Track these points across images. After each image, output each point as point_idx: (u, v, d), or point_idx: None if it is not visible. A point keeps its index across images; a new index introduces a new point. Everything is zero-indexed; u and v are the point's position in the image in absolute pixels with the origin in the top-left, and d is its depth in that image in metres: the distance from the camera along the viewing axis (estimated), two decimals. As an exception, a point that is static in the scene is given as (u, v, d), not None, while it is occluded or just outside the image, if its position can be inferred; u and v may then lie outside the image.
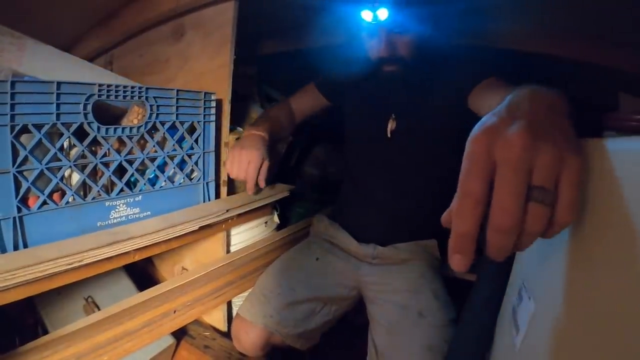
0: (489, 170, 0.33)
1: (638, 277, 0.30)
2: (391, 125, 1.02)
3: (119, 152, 0.83)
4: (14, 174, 0.68)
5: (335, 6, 1.14)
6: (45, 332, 0.91)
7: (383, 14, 0.83)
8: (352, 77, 1.10)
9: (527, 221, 0.32)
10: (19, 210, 0.69)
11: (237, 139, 1.10)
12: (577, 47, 1.13)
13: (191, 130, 0.96)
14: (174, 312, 0.94)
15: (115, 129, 0.80)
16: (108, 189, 0.83)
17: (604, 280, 0.34)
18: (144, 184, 0.89)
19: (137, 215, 0.88)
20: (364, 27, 0.90)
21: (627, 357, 0.30)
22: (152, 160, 0.89)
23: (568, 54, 1.14)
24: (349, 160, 1.17)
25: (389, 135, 1.03)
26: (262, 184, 1.02)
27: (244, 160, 0.97)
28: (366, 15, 0.85)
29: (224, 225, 1.04)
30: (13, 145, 0.67)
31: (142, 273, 1.26)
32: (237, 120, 1.19)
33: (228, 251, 1.12)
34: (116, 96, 0.79)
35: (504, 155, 0.32)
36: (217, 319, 1.20)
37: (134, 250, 0.80)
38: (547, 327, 0.44)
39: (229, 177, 1.05)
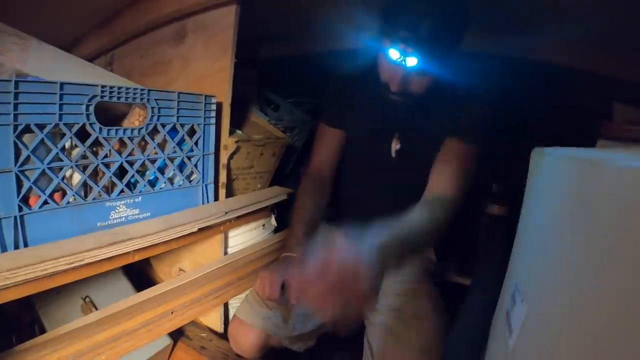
0: None
1: (624, 280, 0.31)
2: (395, 145, 1.00)
3: (120, 153, 0.83)
4: (15, 173, 0.68)
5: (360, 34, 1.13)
6: (43, 331, 0.91)
7: (412, 62, 0.80)
8: (355, 98, 1.05)
9: None
10: (20, 209, 0.70)
11: (237, 142, 1.11)
12: (573, 54, 1.15)
13: (191, 132, 0.97)
14: (172, 312, 0.94)
15: (116, 130, 0.81)
16: (108, 189, 0.84)
17: (594, 283, 0.35)
18: (144, 185, 0.89)
19: (136, 216, 0.89)
20: (384, 53, 0.84)
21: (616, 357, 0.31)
22: (153, 161, 0.90)
23: (565, 61, 1.16)
24: (350, 175, 1.15)
25: (393, 155, 1.00)
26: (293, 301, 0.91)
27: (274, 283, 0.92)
28: (393, 54, 0.81)
29: (222, 227, 1.05)
30: (15, 145, 0.67)
31: (140, 274, 1.26)
32: (237, 123, 1.20)
33: (226, 253, 1.13)
34: (118, 98, 0.80)
35: None
36: (213, 320, 1.20)
37: (133, 250, 0.80)
38: (539, 328, 0.45)
39: (227, 179, 1.05)
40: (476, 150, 0.94)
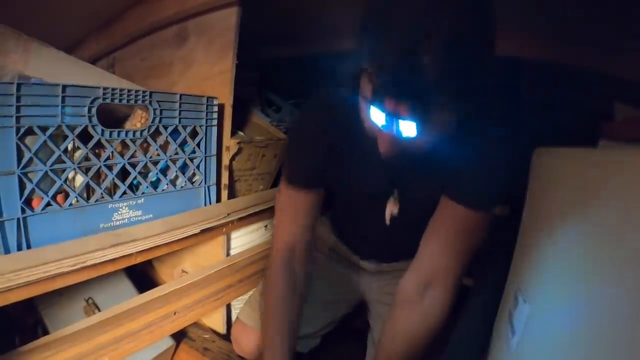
0: None
1: (626, 279, 0.31)
2: (392, 207, 0.78)
3: (122, 155, 0.83)
4: (18, 175, 0.68)
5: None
6: (45, 332, 0.91)
7: (408, 130, 0.51)
8: (334, 147, 0.77)
9: None
10: (23, 211, 0.70)
11: (239, 143, 1.11)
12: (573, 53, 1.15)
13: (193, 134, 0.97)
14: (174, 314, 0.94)
15: (119, 132, 0.81)
16: (111, 191, 0.84)
17: (596, 283, 0.35)
18: (147, 187, 0.89)
19: (139, 218, 0.89)
20: (365, 103, 0.57)
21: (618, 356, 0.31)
22: (155, 163, 0.90)
23: (563, 60, 1.16)
24: (338, 219, 1.05)
25: (387, 222, 0.80)
26: None
27: None
28: (377, 117, 0.53)
29: (224, 229, 1.05)
30: (18, 147, 0.68)
31: (142, 275, 1.26)
32: (239, 124, 1.20)
33: (228, 254, 1.13)
34: (120, 100, 0.80)
35: None
36: (216, 321, 1.21)
37: (136, 252, 0.81)
38: (542, 329, 0.45)
39: (229, 180, 1.05)
40: (485, 218, 0.73)
